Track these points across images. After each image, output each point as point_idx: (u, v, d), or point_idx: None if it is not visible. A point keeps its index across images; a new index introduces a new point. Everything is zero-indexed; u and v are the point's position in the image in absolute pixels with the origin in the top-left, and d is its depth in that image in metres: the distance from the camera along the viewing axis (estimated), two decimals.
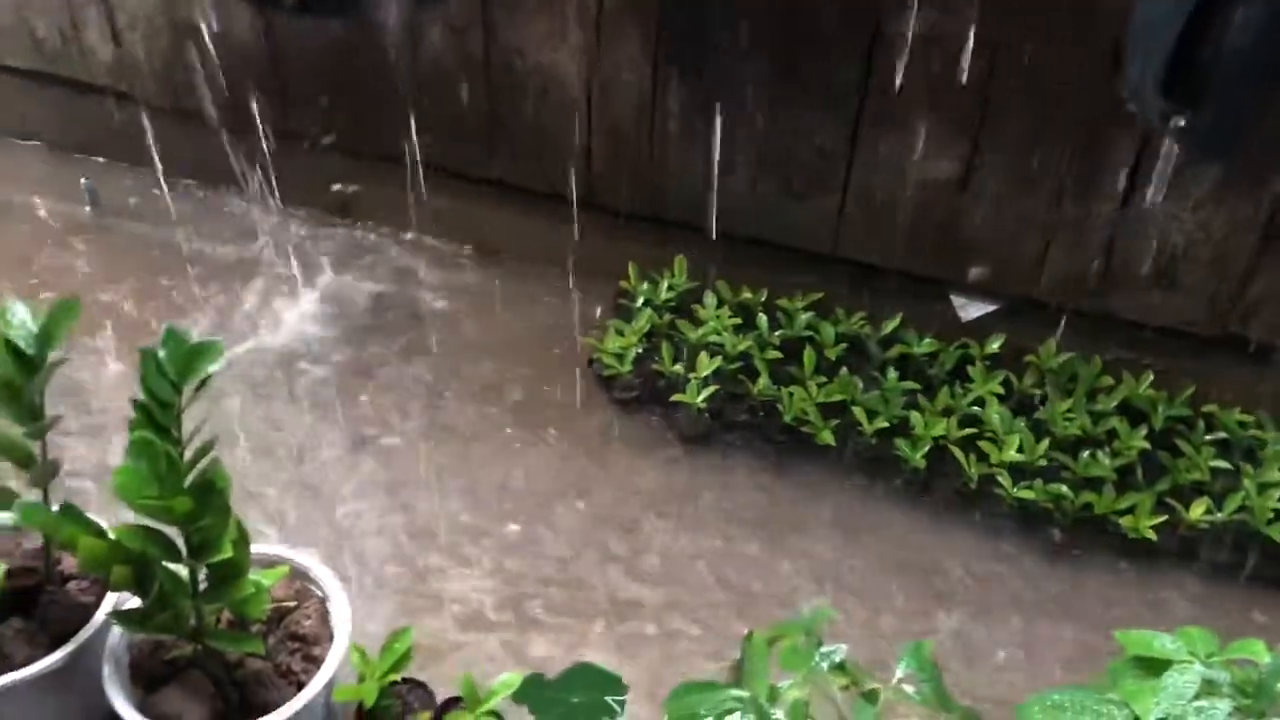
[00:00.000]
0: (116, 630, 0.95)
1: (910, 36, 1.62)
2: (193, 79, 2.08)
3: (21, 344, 0.88)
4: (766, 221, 1.89)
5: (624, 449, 1.79)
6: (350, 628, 0.96)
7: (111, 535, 0.85)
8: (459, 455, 1.77)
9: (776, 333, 1.88)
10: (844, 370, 1.81)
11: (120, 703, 0.89)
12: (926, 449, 1.71)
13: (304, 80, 2.02)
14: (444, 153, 2.01)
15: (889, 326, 1.87)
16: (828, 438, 1.74)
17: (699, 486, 1.74)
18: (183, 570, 0.87)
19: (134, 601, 0.93)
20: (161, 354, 0.85)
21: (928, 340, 1.86)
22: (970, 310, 1.87)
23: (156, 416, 0.85)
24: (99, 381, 1.85)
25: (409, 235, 2.16)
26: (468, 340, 1.98)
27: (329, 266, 2.10)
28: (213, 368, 0.85)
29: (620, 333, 1.90)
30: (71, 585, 0.98)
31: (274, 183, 2.14)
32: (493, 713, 0.92)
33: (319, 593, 1.00)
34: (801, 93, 1.73)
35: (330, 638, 0.95)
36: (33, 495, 0.90)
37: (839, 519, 1.70)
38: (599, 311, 1.99)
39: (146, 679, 0.92)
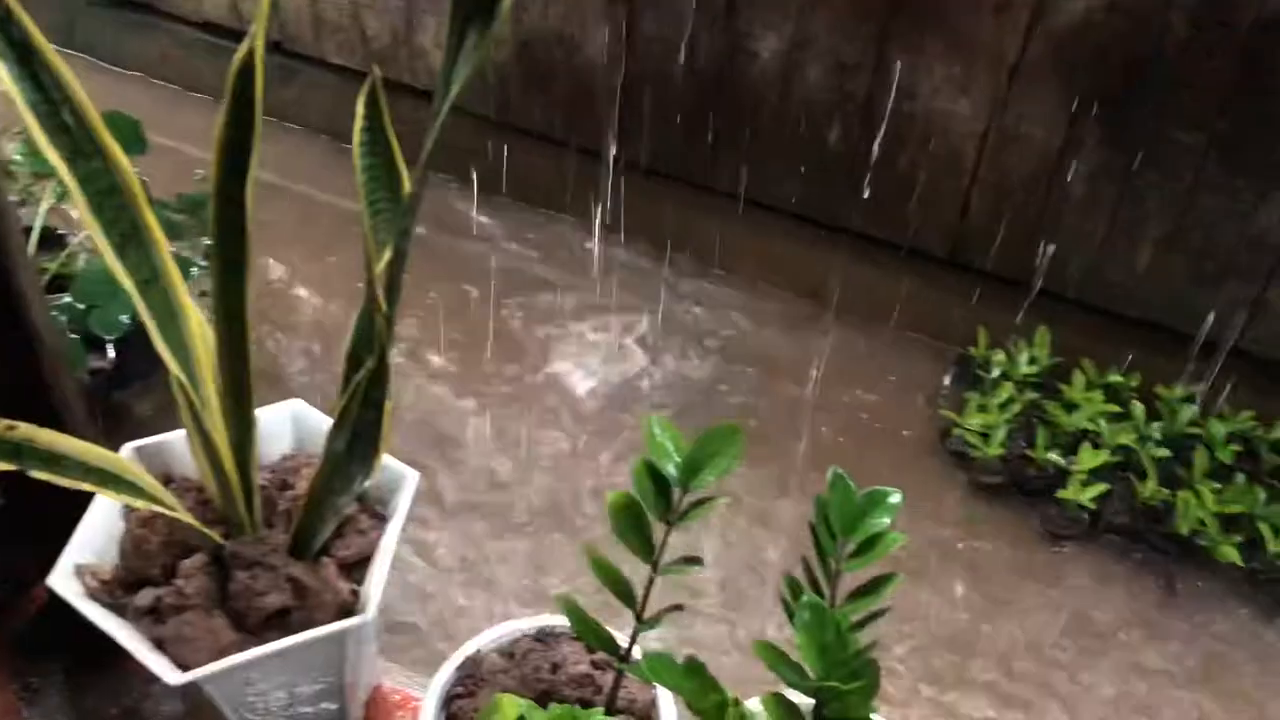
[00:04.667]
0: None
1: None
2: (534, 97, 1.98)
3: (666, 469, 0.75)
4: (1159, 303, 1.72)
5: (991, 540, 1.64)
6: None
7: (731, 695, 0.73)
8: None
9: (1155, 424, 1.71)
10: (1239, 477, 1.63)
11: None
12: None
13: (652, 104, 1.90)
14: (790, 194, 1.88)
15: None
16: (1231, 554, 1.56)
17: (1074, 591, 1.58)
18: None
19: None
20: (830, 504, 0.72)
21: None
22: None
23: (817, 575, 0.72)
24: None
25: (725, 273, 2.03)
26: (799, 392, 1.84)
27: (651, 300, 1.98)
28: (884, 521, 0.72)
29: (983, 409, 1.74)
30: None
31: (604, 210, 2.03)
32: None
33: None
34: (1242, 173, 1.56)
35: None
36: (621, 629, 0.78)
37: (1255, 653, 1.53)
38: (946, 380, 1.84)
39: None
